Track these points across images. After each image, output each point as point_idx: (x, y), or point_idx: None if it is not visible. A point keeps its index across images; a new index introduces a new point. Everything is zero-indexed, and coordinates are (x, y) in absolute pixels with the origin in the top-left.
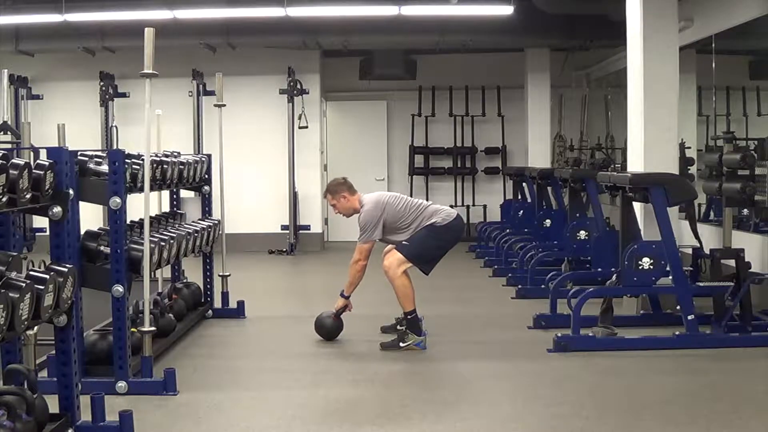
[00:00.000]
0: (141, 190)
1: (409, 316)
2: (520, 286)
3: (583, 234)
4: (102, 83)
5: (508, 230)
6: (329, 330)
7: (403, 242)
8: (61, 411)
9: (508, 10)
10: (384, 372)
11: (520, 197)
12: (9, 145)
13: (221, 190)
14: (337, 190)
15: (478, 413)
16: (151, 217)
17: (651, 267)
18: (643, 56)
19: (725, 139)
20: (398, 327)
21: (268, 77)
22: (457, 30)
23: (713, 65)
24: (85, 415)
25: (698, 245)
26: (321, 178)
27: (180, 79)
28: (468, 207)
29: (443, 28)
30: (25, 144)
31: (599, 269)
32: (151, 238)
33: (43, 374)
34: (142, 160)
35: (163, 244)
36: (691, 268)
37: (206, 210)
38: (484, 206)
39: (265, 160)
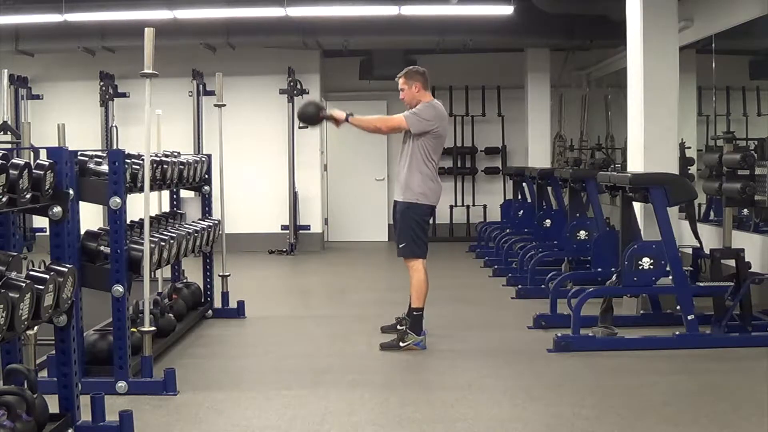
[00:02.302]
0: (141, 190)
1: (415, 312)
2: (520, 286)
3: (583, 234)
4: (102, 83)
5: (508, 230)
6: (309, 115)
7: (401, 245)
8: (61, 411)
9: (508, 10)
10: (384, 372)
11: (520, 197)
12: (9, 145)
13: (221, 190)
14: (414, 76)
15: (478, 413)
16: (151, 217)
17: (651, 267)
18: (643, 56)
19: (725, 139)
20: (398, 327)
21: (268, 77)
22: (457, 30)
23: (713, 65)
24: (85, 415)
25: (698, 245)
26: (321, 178)
27: (180, 79)
28: (468, 207)
29: (443, 28)
30: (25, 144)
31: (599, 269)
32: (151, 238)
33: (43, 374)
34: (142, 160)
35: (163, 244)
36: (691, 268)
37: (206, 210)
38: (484, 206)
39: (265, 160)
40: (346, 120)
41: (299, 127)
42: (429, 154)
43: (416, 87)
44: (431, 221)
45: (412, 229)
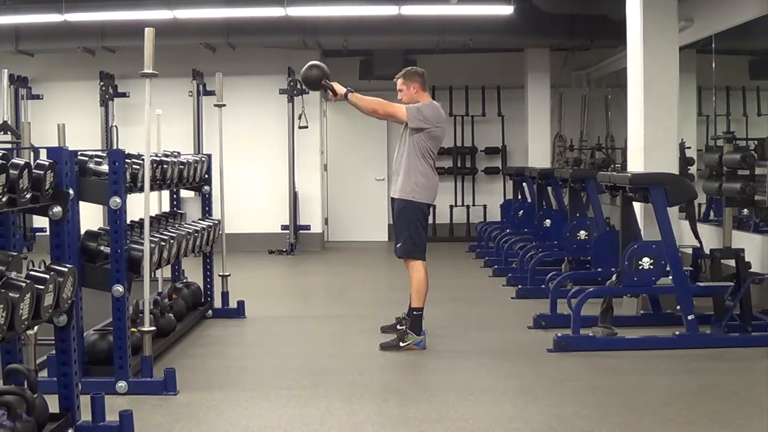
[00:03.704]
0: (141, 190)
1: (415, 312)
2: (520, 286)
3: (583, 234)
4: (102, 83)
5: (508, 230)
6: (311, 78)
7: (399, 245)
8: (61, 411)
9: (508, 10)
10: (384, 372)
11: (520, 197)
12: (9, 145)
13: (221, 190)
14: (412, 77)
15: (478, 413)
16: (151, 217)
17: (651, 267)
18: (643, 56)
19: (725, 139)
20: (398, 327)
21: (268, 77)
22: (457, 30)
23: (713, 65)
24: (85, 415)
25: (698, 245)
26: (321, 178)
27: (180, 79)
28: (468, 207)
29: (443, 28)
30: (25, 144)
31: (599, 269)
32: (151, 238)
33: (43, 374)
34: (142, 160)
35: (163, 244)
36: (691, 268)
37: (206, 210)
38: (484, 206)
39: (265, 160)
40: (345, 96)
41: (299, 127)
42: (425, 152)
43: (414, 88)
44: (431, 221)
45: (409, 229)
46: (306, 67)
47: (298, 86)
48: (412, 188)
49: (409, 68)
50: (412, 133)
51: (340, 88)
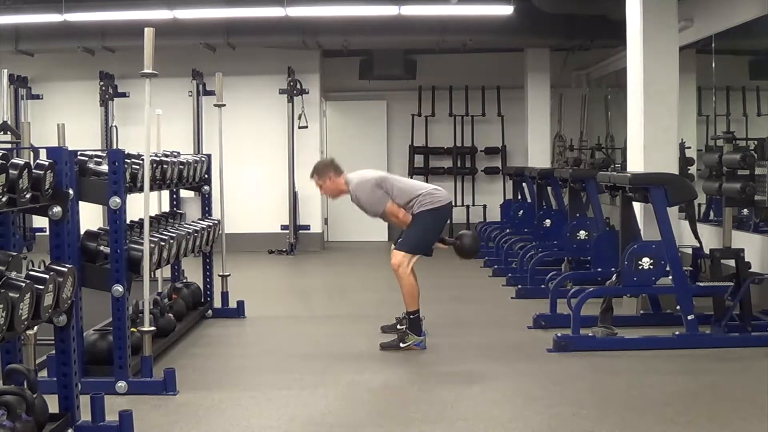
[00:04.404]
0: (141, 190)
1: (411, 316)
2: (520, 286)
3: (583, 234)
4: (102, 83)
5: (508, 230)
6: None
7: (399, 240)
8: (61, 411)
9: (508, 10)
10: (384, 372)
11: (520, 197)
12: (9, 145)
13: (221, 190)
14: (324, 171)
15: (478, 413)
16: (151, 217)
17: (651, 267)
18: (643, 56)
19: (725, 139)
20: (398, 327)
21: (268, 77)
22: (457, 30)
23: (713, 65)
24: (85, 415)
25: (698, 245)
26: None
27: (180, 79)
28: (468, 207)
29: (443, 28)
30: (25, 144)
31: (599, 269)
32: (151, 238)
33: (43, 374)
34: (142, 160)
35: (163, 244)
36: (691, 268)
37: (206, 210)
38: (484, 206)
39: (265, 160)
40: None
41: (299, 127)
42: (400, 192)
43: (329, 178)
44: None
45: (418, 229)
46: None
47: (298, 86)
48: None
49: (315, 165)
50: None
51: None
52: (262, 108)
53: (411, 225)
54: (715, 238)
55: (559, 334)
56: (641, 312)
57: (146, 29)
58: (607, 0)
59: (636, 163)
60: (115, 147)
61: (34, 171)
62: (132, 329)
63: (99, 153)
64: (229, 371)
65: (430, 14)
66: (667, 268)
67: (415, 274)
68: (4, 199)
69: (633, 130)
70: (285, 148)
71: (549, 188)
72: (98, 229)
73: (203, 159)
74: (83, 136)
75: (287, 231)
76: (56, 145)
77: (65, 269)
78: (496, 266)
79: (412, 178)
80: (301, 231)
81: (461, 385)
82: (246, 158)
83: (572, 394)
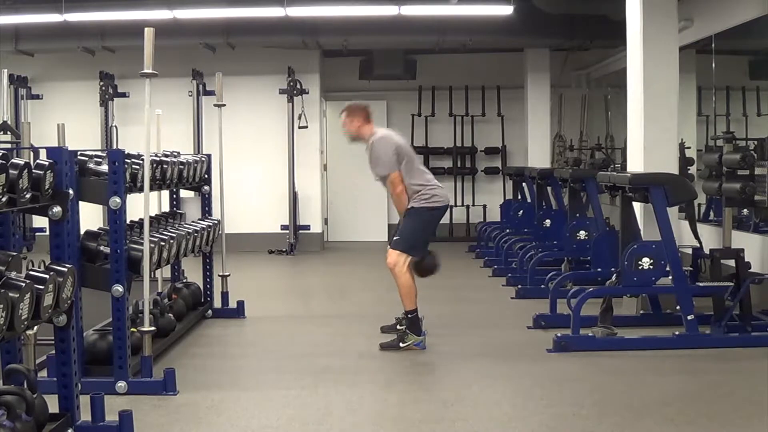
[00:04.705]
0: (141, 190)
1: (409, 315)
2: (519, 286)
3: (583, 234)
4: (102, 83)
5: (508, 230)
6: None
7: (395, 238)
8: (60, 411)
9: (508, 10)
10: (384, 372)
11: (520, 197)
12: (9, 145)
13: (221, 190)
14: (355, 112)
15: (478, 413)
16: (150, 217)
17: (651, 267)
18: (643, 56)
19: (725, 139)
20: (398, 327)
21: (268, 77)
22: (457, 30)
23: (713, 65)
24: (85, 415)
25: (698, 245)
26: (321, 178)
27: (180, 79)
28: (468, 207)
29: (443, 28)
30: (24, 144)
31: (599, 269)
32: (151, 238)
33: (43, 374)
34: (142, 160)
35: (162, 244)
36: (691, 268)
37: (206, 210)
38: (484, 206)
39: (265, 160)
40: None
41: (299, 127)
42: (410, 170)
43: (357, 122)
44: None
45: (414, 228)
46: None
47: (298, 86)
48: (419, 200)
49: (350, 103)
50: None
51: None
52: (262, 108)
53: (407, 221)
54: (714, 238)
55: (558, 334)
56: (641, 312)
57: (146, 29)
58: (607, 0)
59: (636, 163)
60: (115, 147)
61: (34, 171)
62: (132, 329)
63: (99, 153)
64: (229, 371)
65: (430, 14)
66: (667, 268)
67: (412, 273)
68: (4, 199)
69: (633, 130)
70: (285, 148)
71: (549, 188)
72: (98, 229)
73: (203, 159)
74: (83, 136)
75: (287, 231)
76: (56, 145)
77: (65, 269)
78: (496, 266)
79: None
80: (301, 231)
81: (461, 385)
82: (246, 158)
83: (572, 394)
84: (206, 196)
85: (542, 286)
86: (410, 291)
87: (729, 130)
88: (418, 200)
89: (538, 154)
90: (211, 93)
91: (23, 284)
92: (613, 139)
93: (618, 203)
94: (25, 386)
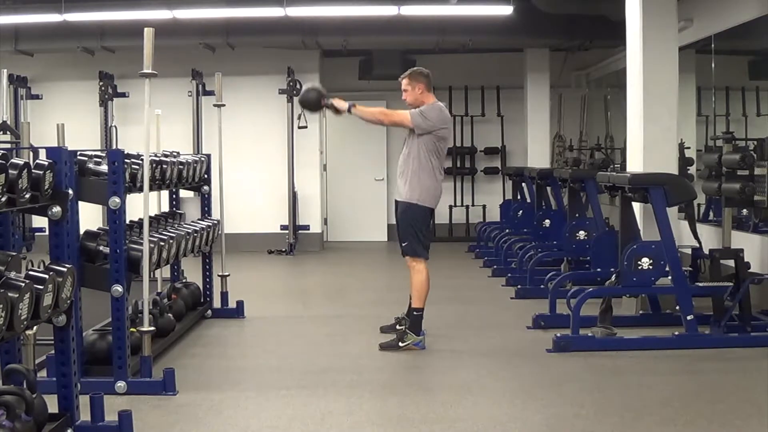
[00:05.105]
0: (140, 190)
1: (415, 312)
2: (519, 286)
3: (582, 234)
4: (101, 83)
5: (507, 230)
6: (311, 101)
7: (404, 246)
8: (60, 411)
9: (507, 10)
10: (383, 372)
11: (519, 197)
12: (8, 145)
13: (221, 190)
14: (417, 78)
15: (477, 413)
16: (150, 217)
17: (650, 267)
18: (642, 56)
19: (725, 139)
20: (398, 327)
21: (268, 77)
22: (456, 30)
23: (713, 65)
24: (85, 415)
25: (698, 245)
26: (320, 178)
27: (180, 79)
28: (467, 207)
29: (443, 28)
30: (24, 144)
31: (599, 269)
32: (151, 238)
33: (43, 374)
34: (142, 160)
35: (162, 244)
36: (690, 269)
37: (206, 210)
38: (484, 206)
39: (264, 160)
40: (348, 111)
41: (299, 127)
42: (431, 154)
43: (419, 88)
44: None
45: (413, 228)
46: (303, 92)
47: (298, 86)
48: (417, 192)
49: (415, 68)
50: (418, 137)
51: (341, 104)
52: (262, 108)
53: (403, 224)
54: (714, 238)
55: (558, 335)
56: (641, 312)
57: (146, 29)
58: (607, 0)
59: (635, 163)
60: (114, 147)
61: (33, 171)
62: (131, 329)
63: (99, 153)
64: (228, 371)
65: (430, 14)
66: (667, 269)
67: (428, 274)
68: (3, 199)
69: (632, 130)
70: (284, 148)
71: (548, 188)
72: (98, 229)
73: (203, 159)
74: (83, 136)
75: (287, 231)
76: (56, 145)
77: (65, 269)
78: (495, 266)
79: None
80: (300, 231)
81: (461, 385)
82: (246, 158)
83: (572, 394)
84: (206, 196)
85: (542, 286)
86: (423, 289)
87: (728, 131)
88: (420, 193)
89: (537, 155)
90: (210, 93)
91: (23, 284)
92: (613, 139)
93: (617, 203)
94: (25, 386)
